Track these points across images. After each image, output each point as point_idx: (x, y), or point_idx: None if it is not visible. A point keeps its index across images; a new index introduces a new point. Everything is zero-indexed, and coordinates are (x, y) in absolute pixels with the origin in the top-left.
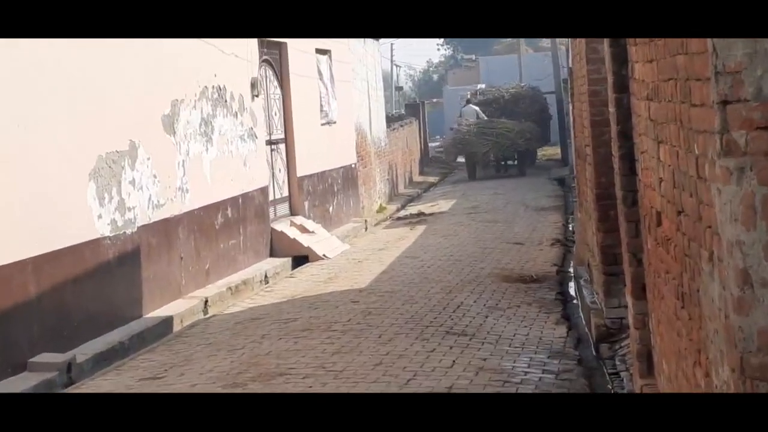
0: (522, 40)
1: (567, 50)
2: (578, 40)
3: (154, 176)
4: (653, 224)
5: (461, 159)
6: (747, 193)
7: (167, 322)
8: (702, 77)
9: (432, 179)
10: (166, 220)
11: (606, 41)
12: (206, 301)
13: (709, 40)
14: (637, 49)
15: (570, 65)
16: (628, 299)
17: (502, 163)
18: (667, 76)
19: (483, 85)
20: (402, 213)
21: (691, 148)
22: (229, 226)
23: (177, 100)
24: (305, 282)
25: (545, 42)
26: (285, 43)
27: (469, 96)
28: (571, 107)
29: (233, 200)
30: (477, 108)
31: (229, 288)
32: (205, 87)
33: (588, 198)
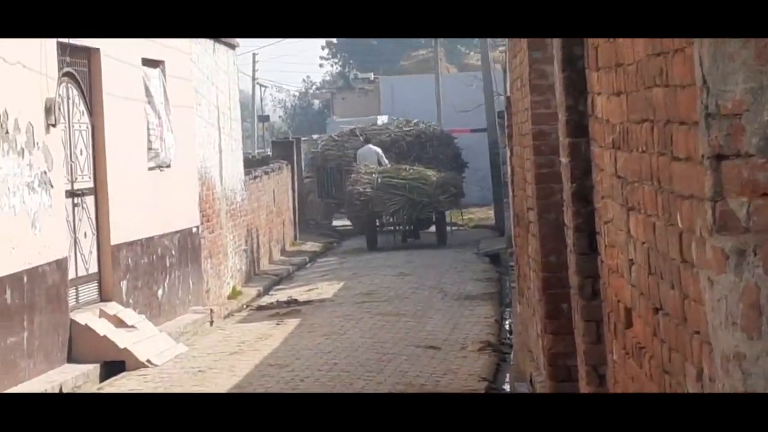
0: (441, 55)
1: (504, 71)
2: (519, 59)
3: None
4: (621, 326)
5: (341, 222)
6: (749, 287)
7: None
8: (688, 120)
9: (310, 249)
10: None
11: (557, 63)
12: None
13: (698, 68)
14: (600, 75)
15: (507, 93)
16: None
17: (409, 228)
18: (641, 116)
19: (384, 118)
20: (265, 300)
21: (673, 220)
22: (8, 316)
23: None
24: None
25: (473, 58)
26: (97, 50)
27: (365, 133)
28: (509, 153)
29: (14, 278)
30: (379, 150)
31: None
32: None
33: (532, 284)
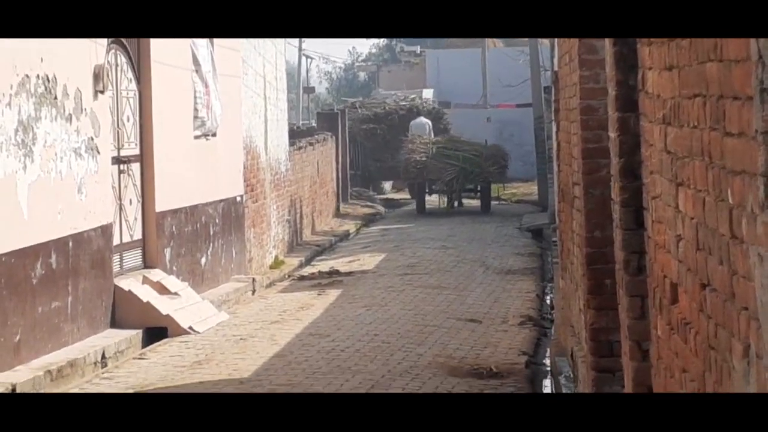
0: None
1: (552, 46)
2: None
3: None
4: (666, 301)
5: (389, 194)
6: None
7: None
8: (742, 95)
9: (352, 220)
10: None
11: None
12: (13, 390)
13: (753, 43)
14: (652, 50)
15: (555, 68)
16: None
17: (458, 197)
18: (693, 92)
19: (429, 91)
20: (307, 270)
21: (723, 195)
22: (53, 280)
23: None
24: (161, 366)
25: None
26: None
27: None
28: (554, 128)
29: (60, 243)
30: (429, 122)
31: (49, 372)
32: (26, 76)
33: (575, 260)
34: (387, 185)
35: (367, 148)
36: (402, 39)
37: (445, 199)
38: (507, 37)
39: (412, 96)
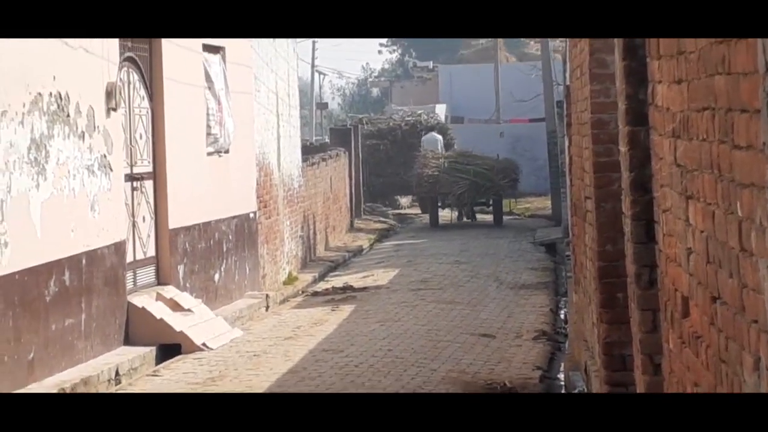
0: (501, 45)
1: (563, 61)
2: (579, 48)
3: None
4: (678, 315)
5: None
6: None
7: None
8: (750, 108)
9: (366, 237)
10: None
11: (618, 52)
12: None
13: (760, 56)
14: (661, 64)
15: (567, 82)
16: None
17: (471, 210)
18: (702, 105)
19: (442, 107)
20: (321, 286)
21: (732, 208)
22: (66, 298)
23: None
24: (175, 383)
25: (533, 47)
26: None
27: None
28: (567, 142)
29: (73, 260)
30: (440, 137)
31: (62, 389)
32: (39, 94)
33: (588, 273)
34: (404, 200)
35: (371, 164)
36: (416, 53)
37: (456, 214)
38: (515, 37)
39: (419, 111)
